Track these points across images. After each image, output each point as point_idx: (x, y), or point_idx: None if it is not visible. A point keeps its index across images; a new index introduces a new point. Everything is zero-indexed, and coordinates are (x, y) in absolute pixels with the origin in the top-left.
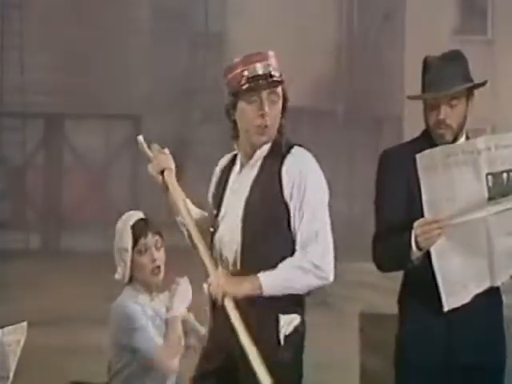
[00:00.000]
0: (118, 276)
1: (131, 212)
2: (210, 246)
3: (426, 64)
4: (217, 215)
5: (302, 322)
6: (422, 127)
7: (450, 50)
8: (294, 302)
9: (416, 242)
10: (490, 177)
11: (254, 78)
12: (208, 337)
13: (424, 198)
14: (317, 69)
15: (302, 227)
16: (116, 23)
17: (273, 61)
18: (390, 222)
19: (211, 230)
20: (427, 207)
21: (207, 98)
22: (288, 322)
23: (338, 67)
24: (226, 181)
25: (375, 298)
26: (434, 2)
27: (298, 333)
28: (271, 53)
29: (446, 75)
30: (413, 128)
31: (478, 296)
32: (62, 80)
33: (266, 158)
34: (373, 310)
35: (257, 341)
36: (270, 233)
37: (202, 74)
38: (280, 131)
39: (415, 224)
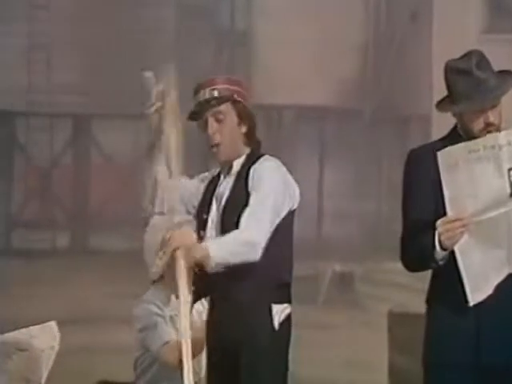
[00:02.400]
0: (152, 276)
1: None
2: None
3: (455, 70)
4: (206, 219)
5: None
6: (450, 126)
7: (470, 52)
8: (285, 293)
9: (440, 242)
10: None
11: (199, 104)
12: (206, 329)
13: (446, 195)
14: (343, 68)
15: (249, 209)
16: (142, 23)
17: (221, 86)
18: (417, 221)
19: (201, 233)
20: (450, 205)
21: None
22: (280, 311)
23: (364, 67)
24: (214, 190)
25: (403, 297)
26: (461, 1)
27: (289, 322)
28: (221, 79)
29: (487, 79)
30: (440, 127)
31: (507, 295)
32: (89, 80)
33: (241, 168)
34: (401, 310)
35: (251, 329)
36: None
37: (227, 72)
38: (253, 143)
39: (438, 223)
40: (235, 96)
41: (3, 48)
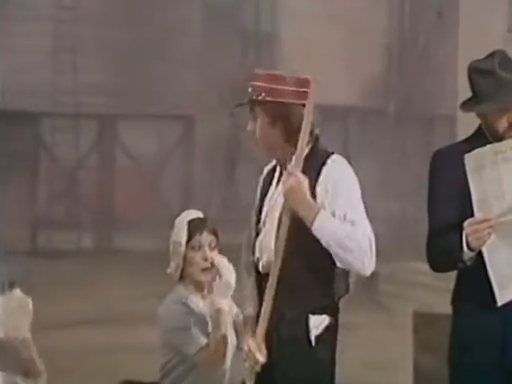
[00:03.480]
0: (169, 270)
1: (192, 210)
2: (253, 248)
3: (478, 71)
4: (258, 222)
5: (334, 322)
6: (475, 127)
7: (493, 52)
8: (324, 304)
9: (467, 242)
10: None
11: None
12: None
13: (474, 197)
14: (368, 68)
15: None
16: (167, 24)
17: (257, 83)
18: (443, 222)
19: (253, 234)
20: (477, 206)
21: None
22: (318, 323)
23: (389, 66)
24: (267, 191)
25: (428, 297)
26: (487, 0)
27: (329, 333)
28: (260, 75)
29: (510, 79)
30: (465, 127)
31: None
32: (114, 81)
33: (302, 168)
34: (426, 310)
35: (289, 341)
36: (302, 238)
37: (252, 74)
38: (312, 140)
39: (465, 224)
40: (263, 95)
41: (29, 49)
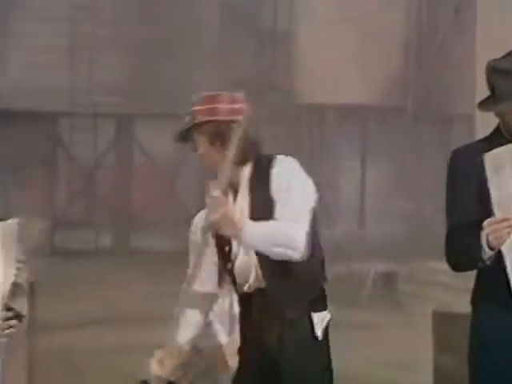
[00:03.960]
0: (190, 270)
1: None
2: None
3: (496, 70)
4: (222, 251)
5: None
6: (493, 125)
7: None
8: (323, 301)
9: (487, 242)
10: None
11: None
12: (242, 341)
13: (493, 196)
14: (385, 66)
15: (285, 207)
16: (184, 23)
17: (194, 108)
18: (462, 221)
19: (229, 265)
20: (496, 206)
21: (274, 97)
22: (321, 319)
23: (406, 64)
24: None
25: (447, 297)
26: None
27: (327, 329)
28: (195, 102)
29: None
30: (484, 126)
31: None
32: (131, 80)
33: (252, 177)
34: (445, 310)
35: (295, 340)
36: None
37: (270, 73)
38: (255, 152)
39: (485, 223)
40: (198, 118)
41: (46, 49)
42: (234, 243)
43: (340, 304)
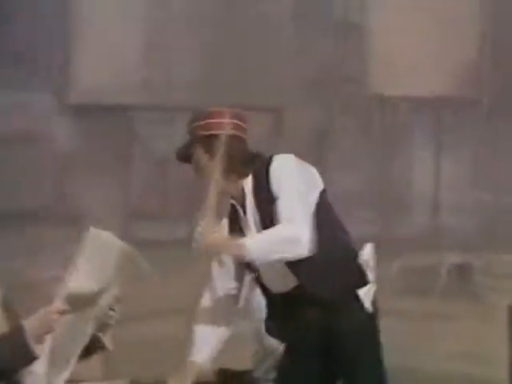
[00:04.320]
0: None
1: None
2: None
3: None
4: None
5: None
6: None
7: None
8: (363, 275)
9: None
10: None
11: None
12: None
13: None
14: (460, 57)
15: (279, 210)
16: (257, 17)
17: (195, 123)
18: None
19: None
20: None
21: (348, 88)
22: (366, 293)
23: (481, 55)
24: (238, 231)
25: None
26: None
27: (375, 302)
28: (192, 118)
29: None
30: None
31: None
32: (206, 75)
33: (255, 183)
34: None
35: (346, 321)
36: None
37: (342, 64)
38: (250, 166)
39: None
40: (199, 133)
41: (124, 46)
42: None
43: (415, 295)
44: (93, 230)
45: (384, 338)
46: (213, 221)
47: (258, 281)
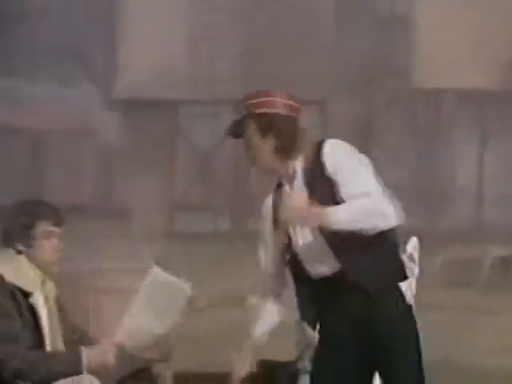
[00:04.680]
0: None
1: None
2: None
3: None
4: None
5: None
6: None
7: None
8: (403, 269)
9: None
10: None
11: None
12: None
13: None
14: (505, 51)
15: (351, 185)
16: (301, 11)
17: (248, 101)
18: None
19: (288, 256)
20: None
21: (392, 82)
22: (408, 286)
23: None
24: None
25: None
26: None
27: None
28: (245, 95)
29: None
30: None
31: None
32: (249, 68)
33: (304, 168)
34: None
35: (386, 312)
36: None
37: (387, 58)
38: (302, 145)
39: None
40: (252, 110)
41: (168, 40)
42: (294, 235)
43: (457, 287)
44: (156, 269)
45: (425, 331)
46: (302, 192)
47: (295, 264)
